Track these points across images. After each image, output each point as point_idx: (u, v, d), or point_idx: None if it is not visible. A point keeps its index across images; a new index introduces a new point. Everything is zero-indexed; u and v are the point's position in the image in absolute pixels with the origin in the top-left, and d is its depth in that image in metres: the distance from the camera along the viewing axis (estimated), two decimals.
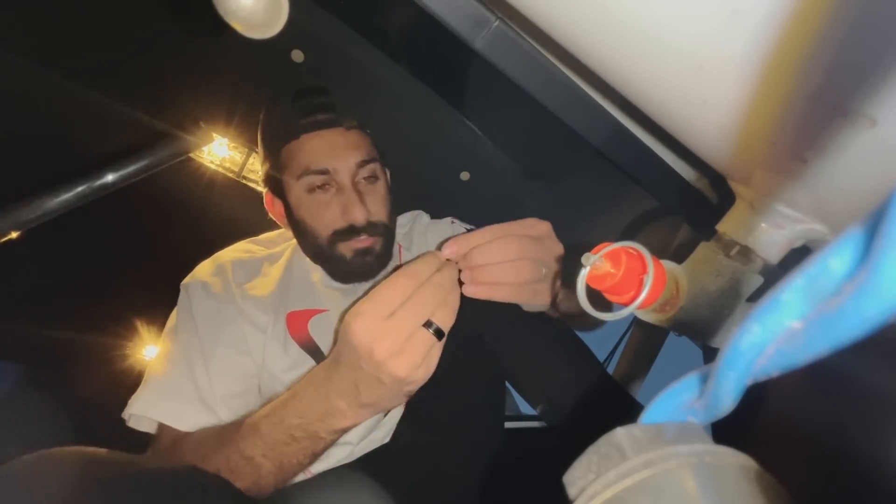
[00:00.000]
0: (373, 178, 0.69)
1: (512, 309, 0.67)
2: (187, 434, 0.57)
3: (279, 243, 0.80)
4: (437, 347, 0.43)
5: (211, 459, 0.49)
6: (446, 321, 0.42)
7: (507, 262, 0.44)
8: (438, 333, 0.42)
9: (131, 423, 0.61)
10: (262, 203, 0.77)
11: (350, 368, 0.43)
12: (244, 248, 0.77)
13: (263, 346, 0.65)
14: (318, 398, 0.46)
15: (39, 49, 0.87)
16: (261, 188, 1.17)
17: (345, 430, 0.48)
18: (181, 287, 0.69)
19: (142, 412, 0.59)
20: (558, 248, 0.49)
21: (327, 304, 0.69)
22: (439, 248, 0.45)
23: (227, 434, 0.51)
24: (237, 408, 0.59)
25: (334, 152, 0.67)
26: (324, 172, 0.66)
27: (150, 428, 0.60)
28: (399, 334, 0.40)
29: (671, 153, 0.54)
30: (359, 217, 0.65)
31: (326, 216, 0.67)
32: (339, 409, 0.45)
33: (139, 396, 0.60)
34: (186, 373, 0.60)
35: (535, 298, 0.48)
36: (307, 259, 0.74)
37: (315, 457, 0.49)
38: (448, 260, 0.45)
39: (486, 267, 0.44)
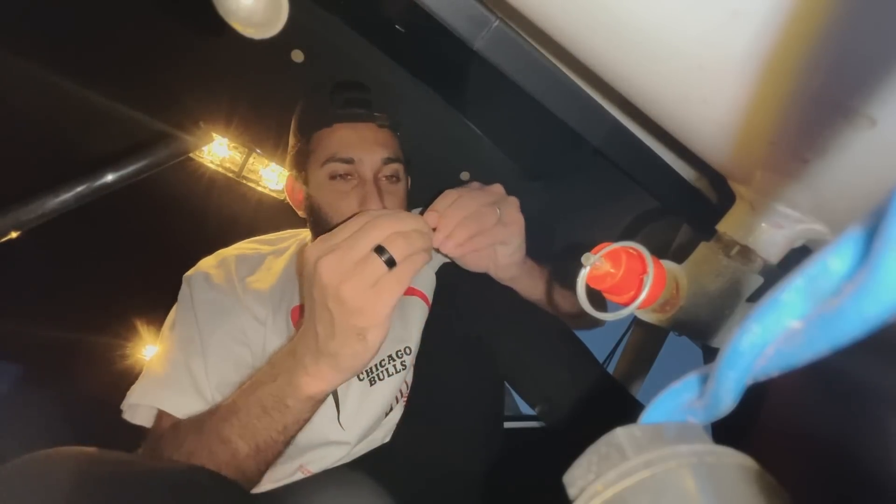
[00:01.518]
0: (395, 178, 0.70)
1: (511, 309, 0.67)
2: (178, 422, 0.58)
3: (286, 240, 0.80)
4: (392, 280, 0.41)
5: (195, 448, 0.49)
6: (400, 249, 0.41)
7: (470, 215, 0.51)
8: (390, 262, 0.41)
9: (126, 416, 0.61)
10: (262, 203, 0.77)
11: (309, 309, 0.43)
12: (249, 246, 0.78)
13: (264, 339, 0.65)
14: (288, 357, 0.47)
15: (39, 49, 0.87)
16: (261, 188, 1.17)
17: (311, 398, 0.47)
18: (183, 279, 0.69)
19: (138, 400, 0.59)
20: (512, 198, 0.57)
21: None
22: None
23: (205, 419, 0.52)
24: None
25: (363, 144, 0.68)
26: (348, 161, 0.67)
27: (143, 421, 0.61)
28: (347, 255, 0.40)
29: (671, 153, 0.54)
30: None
31: (343, 205, 0.67)
32: (303, 364, 0.45)
33: (136, 387, 0.61)
34: (182, 362, 0.61)
35: (504, 235, 0.55)
36: None
37: (287, 433, 0.48)
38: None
39: (457, 227, 0.50)
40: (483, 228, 0.53)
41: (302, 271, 0.44)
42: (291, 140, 0.75)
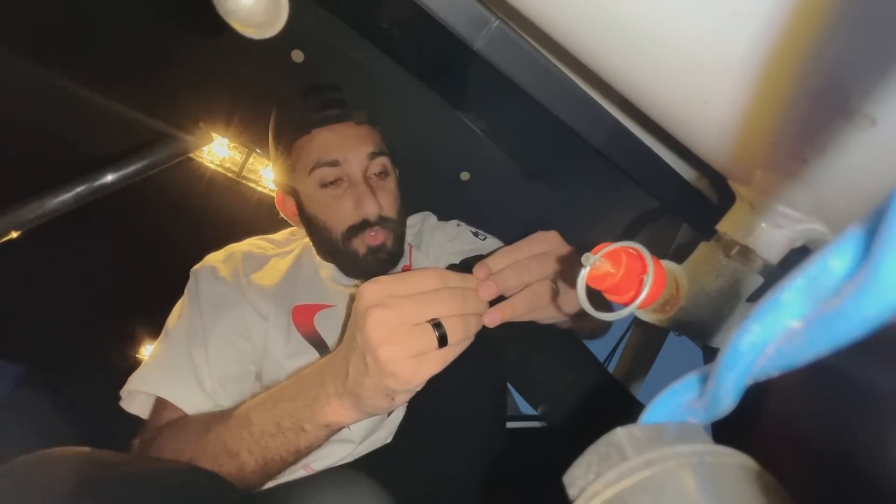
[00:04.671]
0: (384, 173, 0.70)
1: None
2: (177, 420, 0.57)
3: (291, 242, 0.81)
4: (437, 358, 0.39)
5: (198, 456, 0.48)
6: (456, 333, 0.39)
7: (525, 289, 0.44)
8: (442, 339, 0.39)
9: (123, 403, 0.61)
10: (262, 203, 0.77)
11: (348, 345, 0.41)
12: (256, 244, 0.78)
13: (265, 333, 0.65)
14: (315, 380, 0.45)
15: (39, 49, 0.87)
16: (261, 188, 1.17)
17: (328, 426, 0.45)
18: (190, 273, 0.70)
19: (137, 386, 0.59)
20: (571, 256, 0.47)
21: (335, 300, 0.70)
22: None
23: (210, 426, 0.50)
24: (233, 392, 0.60)
25: (345, 144, 0.67)
26: (335, 164, 0.66)
27: (139, 410, 0.61)
28: (399, 316, 0.38)
29: (671, 153, 0.54)
30: (371, 210, 0.66)
31: (340, 211, 0.67)
32: (327, 393, 0.44)
33: (136, 373, 0.61)
34: (185, 352, 0.61)
35: (560, 314, 0.48)
36: (317, 256, 0.75)
37: (299, 454, 0.47)
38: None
39: (518, 299, 0.44)
40: (533, 308, 0.45)
41: (353, 305, 0.40)
42: (272, 154, 0.74)
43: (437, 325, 0.39)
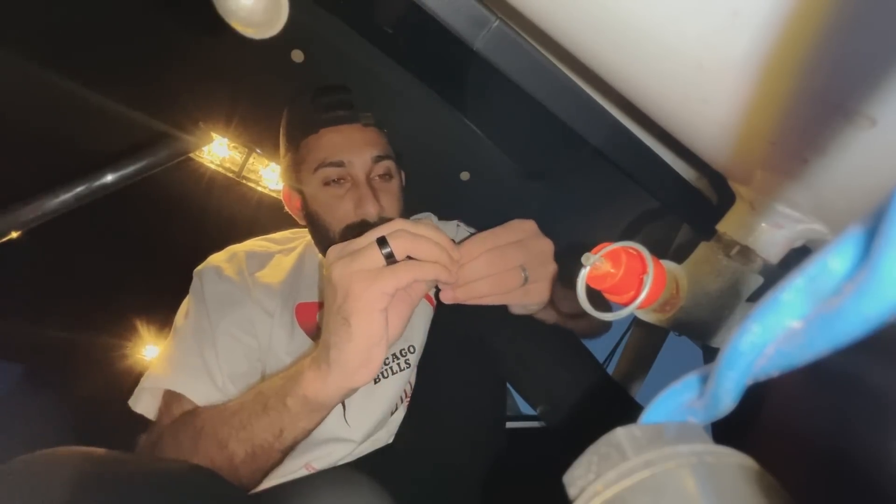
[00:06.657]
0: (387, 175, 0.70)
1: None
2: (179, 417, 0.57)
3: (294, 240, 0.81)
4: (386, 273, 0.40)
5: (192, 455, 0.49)
6: (404, 246, 0.41)
7: (490, 276, 0.46)
8: (389, 256, 0.41)
9: (130, 402, 0.62)
10: (262, 203, 0.77)
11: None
12: (258, 244, 0.79)
13: (270, 330, 0.66)
14: (304, 356, 0.46)
15: (39, 49, 0.87)
16: (261, 188, 1.17)
17: (306, 398, 0.44)
18: (194, 274, 0.70)
19: (153, 384, 0.60)
20: (544, 245, 0.49)
21: None
22: None
23: (205, 422, 0.51)
24: (242, 387, 0.61)
25: (351, 146, 0.68)
26: (339, 165, 0.67)
27: (146, 409, 0.61)
28: (353, 242, 0.42)
29: (671, 153, 0.54)
30: (371, 212, 0.66)
31: (339, 210, 0.67)
32: (311, 357, 0.45)
33: (148, 372, 0.61)
34: (196, 350, 0.62)
35: (525, 299, 0.49)
36: (319, 254, 0.75)
37: (283, 439, 0.47)
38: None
39: (470, 283, 0.45)
40: (497, 293, 0.46)
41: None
42: (282, 151, 0.75)
43: (381, 241, 0.41)
